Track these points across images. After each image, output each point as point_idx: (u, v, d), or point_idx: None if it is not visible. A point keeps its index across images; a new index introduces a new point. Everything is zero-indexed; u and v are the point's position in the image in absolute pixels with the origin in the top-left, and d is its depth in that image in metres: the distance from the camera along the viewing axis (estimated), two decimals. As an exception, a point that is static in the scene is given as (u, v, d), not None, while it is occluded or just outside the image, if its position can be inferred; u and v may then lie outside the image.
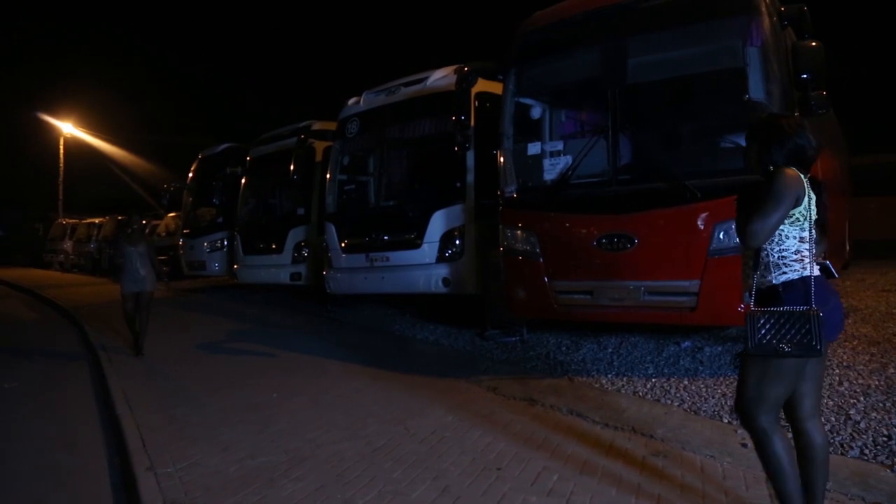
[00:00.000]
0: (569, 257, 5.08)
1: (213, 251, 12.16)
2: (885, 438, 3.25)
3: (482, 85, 6.58)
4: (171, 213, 16.58)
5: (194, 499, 3.03)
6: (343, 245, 7.72)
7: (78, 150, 29.27)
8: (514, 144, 5.64)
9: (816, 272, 2.25)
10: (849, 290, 7.83)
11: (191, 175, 13.55)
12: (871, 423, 3.45)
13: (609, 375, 4.83)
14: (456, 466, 3.28)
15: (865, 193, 12.25)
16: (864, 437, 3.28)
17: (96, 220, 21.32)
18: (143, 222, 17.51)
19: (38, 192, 31.22)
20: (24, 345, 8.09)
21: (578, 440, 3.60)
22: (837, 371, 4.37)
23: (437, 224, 6.71)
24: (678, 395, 4.24)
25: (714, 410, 3.89)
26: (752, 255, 2.36)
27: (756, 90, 4.45)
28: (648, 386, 4.48)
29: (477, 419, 4.04)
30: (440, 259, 6.70)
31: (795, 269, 2.26)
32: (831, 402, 3.80)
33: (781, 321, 2.21)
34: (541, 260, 5.24)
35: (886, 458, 3.06)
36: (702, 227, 4.47)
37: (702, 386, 4.36)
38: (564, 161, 5.24)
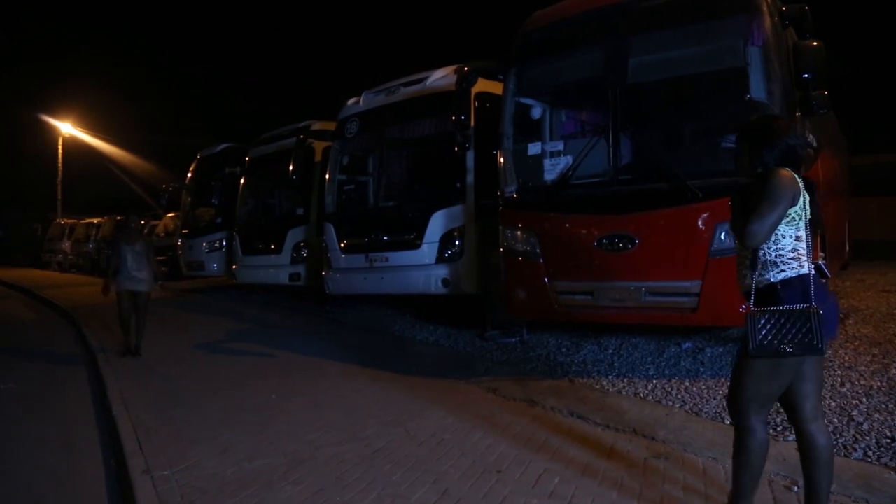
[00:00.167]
0: (569, 258, 5.05)
1: (212, 251, 12.12)
2: (888, 440, 3.23)
3: (482, 85, 6.55)
4: (169, 213, 16.54)
5: (191, 502, 3.00)
6: (342, 245, 7.69)
7: (77, 150, 29.23)
8: (515, 144, 5.61)
9: (810, 270, 2.27)
10: (849, 290, 7.81)
11: (189, 175, 13.52)
12: (875, 424, 3.42)
13: (610, 377, 4.80)
14: (456, 469, 3.25)
15: (865, 194, 12.24)
16: (867, 438, 3.26)
17: (95, 221, 21.27)
18: (143, 222, 17.51)
19: (36, 192, 31.16)
20: (22, 345, 8.05)
21: (579, 442, 3.58)
22: (839, 372, 4.35)
23: (437, 224, 6.68)
24: (679, 396, 4.21)
25: (716, 412, 3.86)
26: (749, 256, 2.36)
27: (757, 90, 4.43)
28: (649, 387, 4.45)
29: (477, 421, 4.01)
30: (440, 259, 6.67)
31: (793, 268, 2.28)
32: (833, 404, 3.78)
33: (782, 321, 2.22)
34: (541, 260, 5.22)
35: (890, 459, 3.03)
36: (703, 227, 4.45)
37: (703, 387, 4.33)
38: (565, 161, 5.21)
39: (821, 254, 5.63)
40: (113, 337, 7.41)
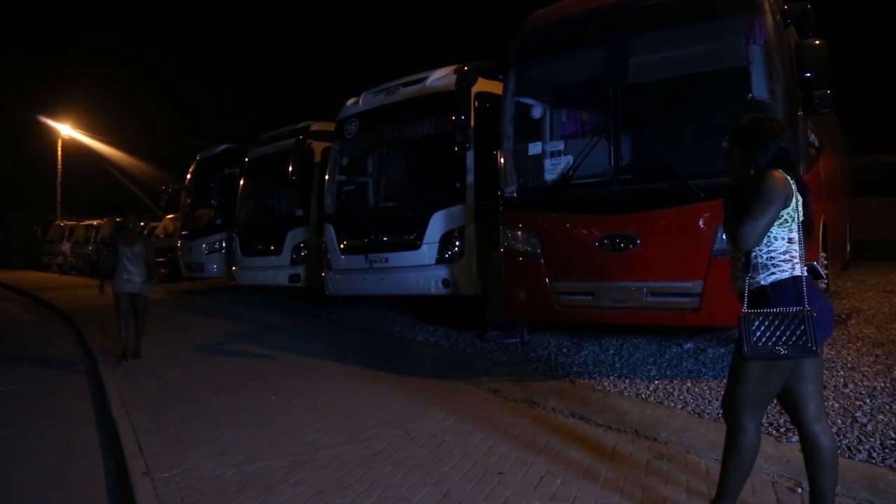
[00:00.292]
0: (570, 258, 5.03)
1: (212, 253, 12.10)
2: (893, 441, 3.20)
3: (482, 85, 6.54)
4: (169, 214, 16.52)
5: (191, 504, 2.98)
6: (342, 246, 7.67)
7: (76, 152, 29.21)
8: (515, 144, 5.59)
9: (802, 272, 2.27)
10: (850, 291, 7.79)
11: (189, 176, 13.52)
12: (879, 425, 3.40)
13: (611, 377, 4.78)
14: (457, 470, 3.23)
15: (866, 194, 12.23)
16: (871, 440, 3.23)
17: (94, 222, 21.25)
18: (142, 224, 17.48)
19: (36, 194, 31.13)
20: (22, 347, 8.03)
21: (581, 443, 3.56)
22: (842, 373, 4.32)
23: (437, 225, 6.66)
24: (681, 397, 4.19)
25: (718, 413, 3.83)
26: (742, 258, 2.36)
27: (759, 89, 4.41)
28: (651, 388, 4.43)
29: (478, 422, 3.99)
30: (440, 260, 6.65)
31: (784, 270, 2.28)
32: (836, 405, 3.75)
33: (776, 323, 2.22)
34: (542, 261, 5.19)
35: (895, 461, 3.01)
36: (704, 227, 4.43)
37: (705, 388, 4.31)
38: (565, 161, 5.19)
39: (822, 254, 5.62)
40: (112, 339, 7.39)
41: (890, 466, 2.96)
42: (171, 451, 3.71)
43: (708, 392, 4.22)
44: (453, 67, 6.83)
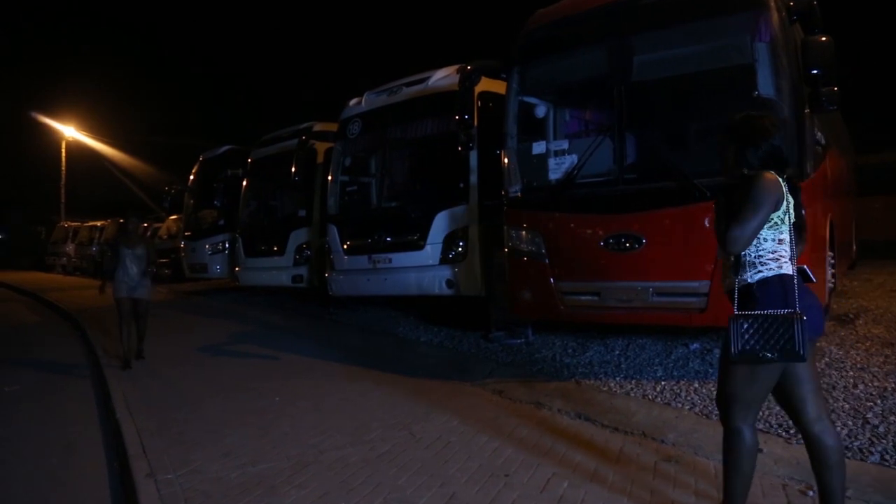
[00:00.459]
0: (575, 258, 5.00)
1: (215, 253, 12.10)
2: (904, 443, 3.16)
3: (485, 84, 6.50)
4: (172, 215, 16.53)
5: (194, 507, 2.95)
6: (345, 247, 7.64)
7: (80, 154, 29.29)
8: (519, 144, 5.55)
9: (792, 271, 2.27)
10: (857, 290, 7.73)
11: (192, 177, 13.51)
12: (891, 426, 3.35)
13: (617, 378, 4.74)
14: (463, 473, 3.20)
15: (871, 193, 12.16)
16: (883, 441, 3.19)
17: (98, 223, 21.30)
18: (145, 225, 17.50)
19: (39, 195, 31.26)
20: (27, 348, 8.03)
21: (587, 445, 3.52)
22: (852, 373, 4.27)
23: (441, 225, 6.63)
24: (689, 398, 4.15)
25: (726, 414, 3.79)
26: (732, 258, 2.35)
27: (765, 86, 4.37)
28: (658, 389, 4.39)
29: (483, 424, 3.96)
30: (443, 260, 6.61)
31: (771, 268, 2.27)
32: (847, 406, 3.71)
33: (765, 326, 2.20)
34: (546, 261, 5.16)
35: (908, 463, 2.96)
36: (710, 226, 4.34)
37: (712, 389, 4.25)
38: (570, 160, 5.15)
39: (829, 253, 5.57)
40: (116, 340, 7.37)
41: (902, 468, 2.92)
42: (174, 452, 3.69)
43: (715, 393, 4.16)
44: (456, 67, 6.80)
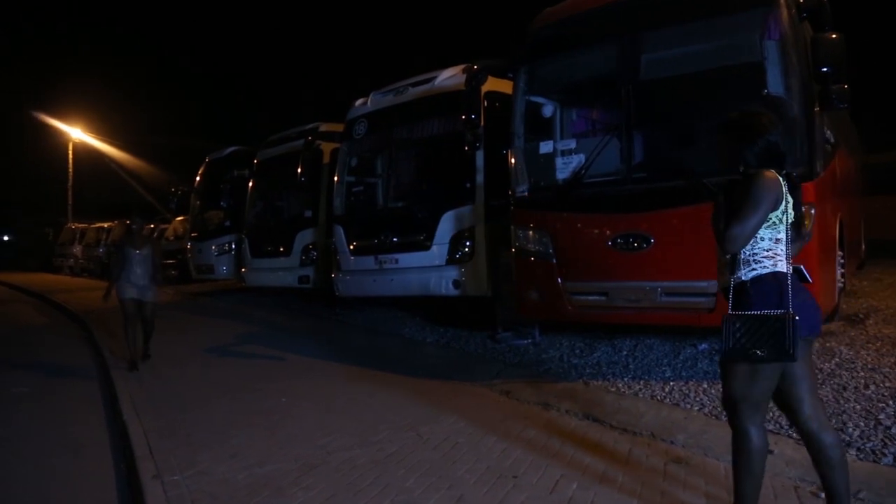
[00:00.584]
0: (582, 258, 4.97)
1: (221, 254, 12.11)
2: (918, 444, 3.12)
3: (492, 83, 6.47)
4: (178, 216, 16.58)
5: (202, 508, 2.95)
6: (351, 247, 7.64)
7: (87, 156, 29.42)
8: (526, 143, 5.53)
9: (786, 269, 2.26)
10: (867, 290, 7.67)
11: (198, 178, 13.54)
12: (903, 428, 3.31)
13: (625, 379, 4.71)
14: (471, 474, 3.18)
15: (880, 192, 12.07)
16: (896, 442, 3.15)
17: (105, 225, 21.39)
18: (152, 226, 17.56)
19: (48, 197, 31.40)
20: (34, 349, 8.06)
21: (596, 447, 3.49)
22: (863, 374, 4.23)
23: (447, 225, 6.61)
24: (698, 398, 4.11)
25: (736, 415, 3.76)
26: (729, 256, 2.34)
27: (775, 85, 4.33)
28: (666, 389, 4.35)
29: (491, 425, 3.94)
30: (450, 261, 6.59)
31: (765, 266, 2.27)
32: (858, 407, 3.67)
33: (757, 324, 2.20)
34: (553, 261, 5.13)
35: (921, 465, 2.93)
36: (718, 225, 4.34)
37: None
38: (577, 160, 5.12)
39: (839, 252, 5.52)
40: (123, 341, 7.39)
41: (917, 470, 2.88)
42: (181, 453, 3.69)
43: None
44: (462, 66, 6.77)
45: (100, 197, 31.80)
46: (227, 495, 3.08)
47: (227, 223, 12.20)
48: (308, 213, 9.74)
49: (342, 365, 5.97)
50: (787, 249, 2.27)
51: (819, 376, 4.24)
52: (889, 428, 3.33)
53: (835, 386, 4.04)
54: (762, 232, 2.26)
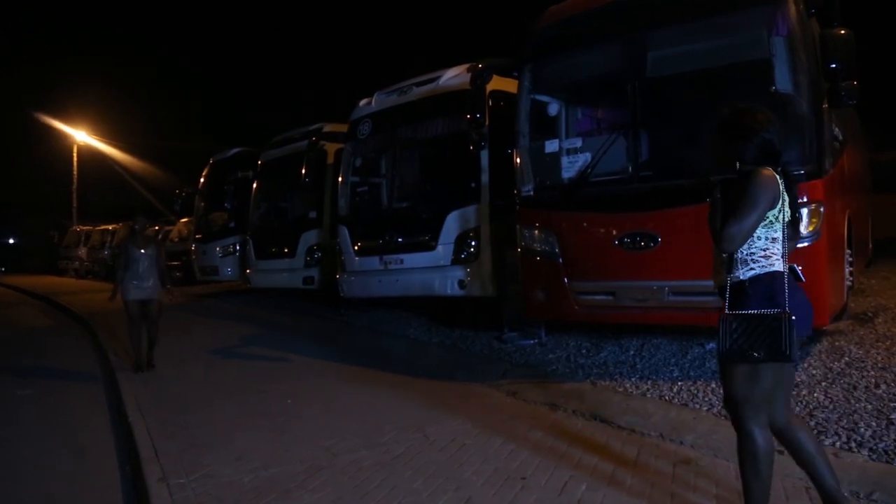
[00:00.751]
0: (589, 257, 4.94)
1: (226, 256, 12.12)
2: (931, 444, 3.08)
3: (497, 82, 6.45)
4: (183, 218, 16.61)
5: (207, 511, 2.93)
6: (356, 248, 7.62)
7: (91, 158, 29.51)
8: (531, 143, 5.50)
9: (783, 269, 2.25)
10: (875, 288, 7.60)
11: (202, 180, 13.55)
12: (916, 428, 3.27)
13: (633, 379, 4.68)
14: (478, 476, 3.15)
15: (888, 190, 11.99)
16: (909, 443, 3.11)
17: (110, 227, 21.45)
18: (156, 228, 17.59)
19: (52, 200, 31.51)
20: (39, 352, 8.07)
21: (604, 447, 3.46)
22: (873, 373, 4.18)
23: (452, 225, 6.59)
24: (706, 398, 4.08)
25: (745, 415, 3.72)
26: (726, 255, 2.32)
27: (783, 81, 4.30)
28: (675, 389, 4.32)
29: (498, 426, 3.91)
30: (455, 261, 6.57)
31: (762, 265, 2.25)
32: (870, 406, 3.62)
33: (753, 325, 2.19)
34: (560, 260, 5.10)
35: (935, 465, 2.88)
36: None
37: (730, 389, 4.19)
38: (583, 158, 5.10)
39: (847, 250, 5.47)
40: (128, 343, 7.39)
41: (931, 471, 2.84)
42: (187, 456, 3.67)
43: (733, 394, 4.10)
44: (467, 66, 6.75)
45: (104, 199, 31.91)
46: (232, 498, 3.06)
47: (232, 224, 12.22)
48: (312, 214, 9.73)
49: (347, 366, 5.95)
50: (783, 248, 2.26)
51: (829, 376, 4.20)
52: (902, 428, 3.28)
53: (845, 385, 4.00)
54: (759, 231, 2.24)
